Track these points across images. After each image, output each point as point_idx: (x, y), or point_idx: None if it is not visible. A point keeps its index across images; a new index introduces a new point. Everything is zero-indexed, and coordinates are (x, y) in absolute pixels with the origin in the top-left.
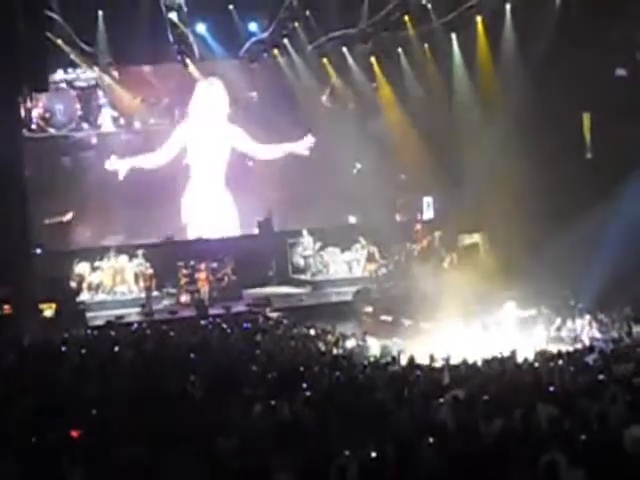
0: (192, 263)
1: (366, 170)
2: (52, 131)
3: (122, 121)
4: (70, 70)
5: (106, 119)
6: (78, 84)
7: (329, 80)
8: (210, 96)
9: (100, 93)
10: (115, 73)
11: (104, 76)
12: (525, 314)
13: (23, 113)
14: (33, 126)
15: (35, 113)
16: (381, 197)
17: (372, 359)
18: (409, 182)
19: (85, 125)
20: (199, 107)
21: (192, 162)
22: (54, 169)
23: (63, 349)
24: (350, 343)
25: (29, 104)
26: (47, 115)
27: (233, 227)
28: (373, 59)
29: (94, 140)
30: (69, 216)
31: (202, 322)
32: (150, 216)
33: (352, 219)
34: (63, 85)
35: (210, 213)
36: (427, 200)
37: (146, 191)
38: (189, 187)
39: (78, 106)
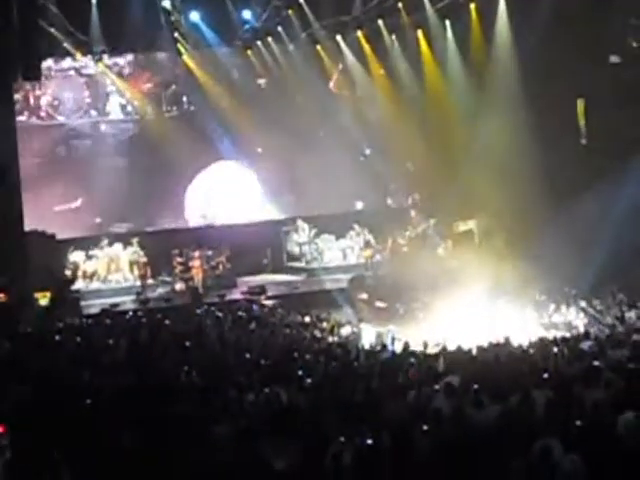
0: (187, 251)
1: (372, 156)
2: (61, 119)
3: (130, 108)
4: (79, 57)
5: (114, 107)
6: (86, 71)
7: (333, 67)
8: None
9: (108, 80)
10: (123, 60)
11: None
12: (520, 300)
13: (32, 100)
14: (42, 113)
15: (44, 101)
16: (381, 184)
17: (367, 346)
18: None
19: (93, 112)
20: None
21: None
22: (63, 156)
23: (57, 337)
24: (345, 330)
25: (38, 91)
26: (55, 103)
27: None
28: (367, 46)
29: (103, 127)
30: (78, 203)
31: (197, 310)
32: (160, 203)
33: (359, 205)
34: (71, 72)
35: (221, 200)
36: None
37: (155, 178)
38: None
39: (87, 93)
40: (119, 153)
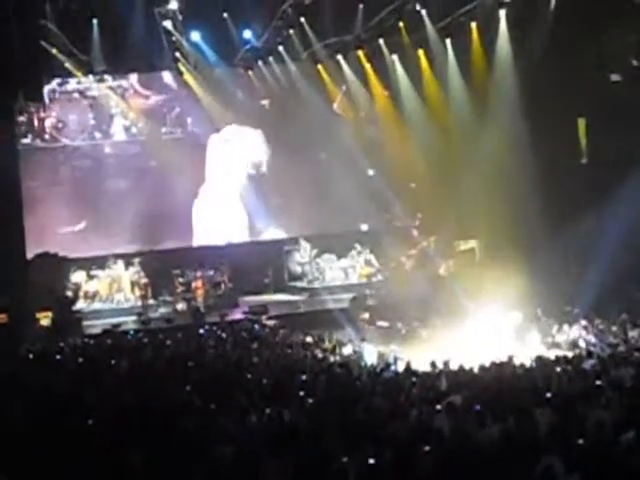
0: (188, 271)
1: (375, 177)
2: (65, 141)
3: (134, 130)
4: (84, 79)
5: (118, 128)
6: (90, 93)
7: (335, 88)
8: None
9: (112, 102)
10: (127, 82)
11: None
12: (521, 320)
13: (36, 123)
14: (46, 136)
15: (48, 123)
16: (384, 204)
17: (369, 366)
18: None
19: (97, 134)
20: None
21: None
22: (67, 178)
23: (59, 358)
24: (347, 350)
25: (42, 114)
26: (60, 125)
27: (242, 234)
28: (368, 66)
29: (107, 149)
30: (82, 225)
31: (198, 330)
32: (164, 224)
33: (364, 227)
34: (76, 95)
35: (221, 220)
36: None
37: (158, 199)
38: (201, 193)
39: (91, 115)
40: (123, 175)
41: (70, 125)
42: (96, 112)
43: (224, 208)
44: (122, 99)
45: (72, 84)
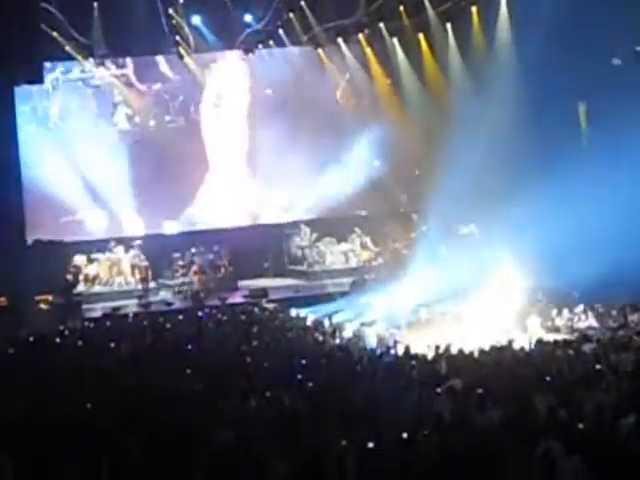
0: (188, 254)
1: (383, 166)
2: (68, 129)
3: (137, 119)
4: (87, 66)
5: (121, 117)
6: (94, 82)
7: (339, 76)
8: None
9: (116, 91)
10: (128, 70)
11: (118, 72)
12: (521, 303)
13: (40, 111)
14: (50, 124)
15: (53, 111)
16: (388, 191)
17: (368, 350)
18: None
19: (101, 122)
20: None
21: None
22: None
23: (58, 341)
24: (346, 333)
25: (46, 102)
26: (63, 113)
27: (244, 218)
28: (369, 50)
29: (110, 137)
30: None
31: (198, 313)
32: (170, 205)
33: (363, 212)
34: (79, 83)
35: (226, 203)
36: None
37: (161, 185)
38: (207, 177)
39: (94, 104)
40: (126, 162)
41: (73, 113)
42: (99, 100)
43: (227, 191)
44: (125, 86)
45: (76, 73)
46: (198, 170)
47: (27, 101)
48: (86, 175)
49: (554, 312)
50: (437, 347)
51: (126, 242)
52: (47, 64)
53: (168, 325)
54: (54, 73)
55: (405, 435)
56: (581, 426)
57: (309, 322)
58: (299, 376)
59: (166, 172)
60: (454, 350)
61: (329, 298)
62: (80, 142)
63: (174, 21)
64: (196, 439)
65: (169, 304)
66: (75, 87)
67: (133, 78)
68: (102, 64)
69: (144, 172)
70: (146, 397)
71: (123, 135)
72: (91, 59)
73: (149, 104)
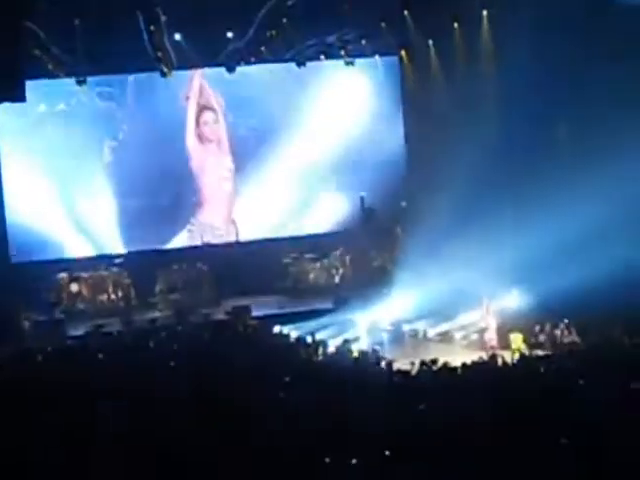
0: (171, 271)
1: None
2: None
3: (123, 149)
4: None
5: (107, 149)
6: (80, 114)
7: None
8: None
9: (102, 123)
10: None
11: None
12: (504, 320)
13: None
14: (35, 155)
15: (37, 144)
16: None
17: (351, 366)
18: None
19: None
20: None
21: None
22: None
23: (40, 359)
24: (330, 350)
25: (31, 135)
26: (48, 146)
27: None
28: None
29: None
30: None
31: (181, 330)
32: (159, 237)
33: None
34: (64, 115)
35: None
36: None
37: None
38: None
39: (80, 136)
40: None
41: (58, 146)
42: (85, 132)
43: (214, 215)
44: (113, 117)
45: (61, 106)
46: (188, 198)
47: (11, 134)
48: (72, 209)
49: (537, 328)
50: (421, 363)
51: (109, 260)
52: (31, 97)
53: (151, 343)
54: (39, 107)
55: (388, 452)
56: (564, 441)
57: (292, 339)
58: (280, 394)
59: (154, 202)
60: (437, 366)
61: (312, 315)
62: (65, 174)
63: (156, 38)
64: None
65: (152, 321)
66: (60, 120)
67: (123, 109)
68: (92, 95)
69: (131, 204)
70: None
71: (109, 166)
72: (73, 78)
73: (136, 133)
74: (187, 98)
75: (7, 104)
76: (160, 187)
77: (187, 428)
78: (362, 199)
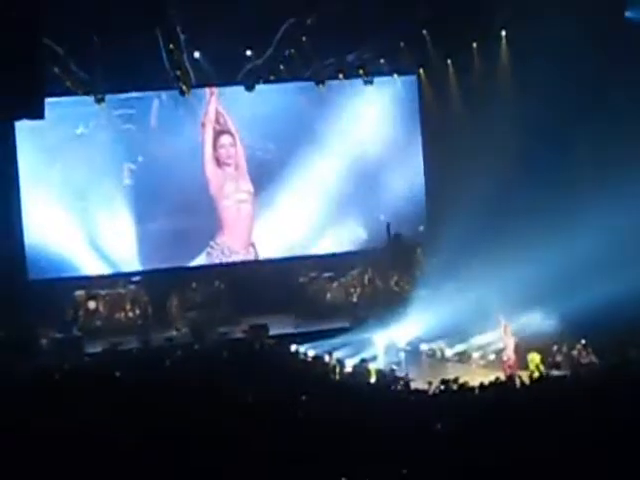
0: (189, 289)
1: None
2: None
3: (142, 172)
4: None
5: (127, 171)
6: (99, 137)
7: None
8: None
9: (121, 146)
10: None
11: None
12: (521, 340)
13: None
14: (54, 179)
15: (56, 167)
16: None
17: (369, 385)
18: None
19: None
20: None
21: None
22: None
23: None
24: (347, 369)
25: (50, 158)
26: (67, 168)
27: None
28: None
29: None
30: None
31: (199, 349)
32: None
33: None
34: (84, 139)
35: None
36: None
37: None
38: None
39: (99, 159)
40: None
41: (78, 168)
42: (104, 155)
43: (233, 236)
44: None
45: (81, 128)
46: (207, 221)
47: (31, 154)
48: (90, 229)
49: (554, 348)
50: (442, 382)
51: (126, 278)
52: (50, 117)
53: (168, 361)
54: (58, 129)
55: (405, 471)
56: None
57: (309, 358)
58: (299, 413)
59: (173, 225)
60: (455, 386)
61: (330, 334)
62: (84, 194)
63: (175, 57)
64: None
65: (169, 339)
66: (79, 142)
67: (142, 132)
68: (112, 117)
69: (150, 227)
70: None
71: (129, 190)
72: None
73: (155, 156)
74: (203, 125)
75: (28, 126)
76: (179, 210)
77: (202, 445)
78: (388, 226)
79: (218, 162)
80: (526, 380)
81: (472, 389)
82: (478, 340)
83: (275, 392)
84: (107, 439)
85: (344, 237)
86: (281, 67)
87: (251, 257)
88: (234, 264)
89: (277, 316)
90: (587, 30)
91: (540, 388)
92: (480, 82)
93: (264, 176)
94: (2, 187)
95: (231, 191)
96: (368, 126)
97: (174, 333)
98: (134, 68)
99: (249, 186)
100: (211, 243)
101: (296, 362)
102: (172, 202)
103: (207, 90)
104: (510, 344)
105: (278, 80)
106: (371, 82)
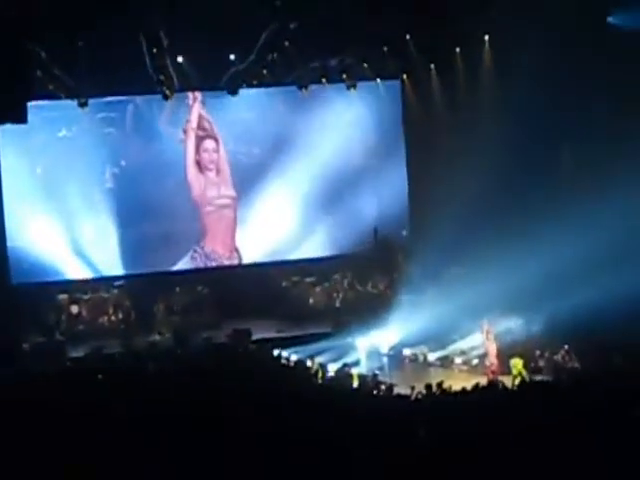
0: (172, 294)
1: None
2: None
3: (126, 176)
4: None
5: (109, 175)
6: (82, 140)
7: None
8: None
9: (104, 150)
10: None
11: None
12: (502, 343)
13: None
14: (36, 180)
15: (38, 169)
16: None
17: (351, 390)
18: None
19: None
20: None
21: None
22: None
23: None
24: (329, 374)
25: (32, 160)
26: (50, 171)
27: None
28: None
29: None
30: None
31: (181, 353)
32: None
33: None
34: (67, 142)
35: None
36: None
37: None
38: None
39: (82, 161)
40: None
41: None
42: (88, 158)
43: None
44: (115, 144)
45: (63, 131)
46: (191, 225)
47: (13, 157)
48: (73, 232)
49: (537, 353)
50: (426, 386)
51: (109, 282)
52: (32, 121)
53: (150, 366)
54: (41, 132)
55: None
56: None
57: (292, 362)
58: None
59: (156, 229)
60: (437, 391)
61: (312, 338)
62: (66, 198)
63: (158, 61)
64: None
65: (152, 344)
66: (62, 145)
67: (124, 135)
68: (95, 121)
69: (133, 230)
70: None
71: (111, 193)
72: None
73: (138, 159)
74: (185, 129)
75: (9, 128)
76: (162, 214)
77: (185, 447)
78: (376, 230)
79: (200, 167)
80: (509, 385)
81: (455, 394)
82: (461, 345)
83: (257, 397)
84: (90, 442)
85: (327, 242)
86: (264, 72)
87: (235, 262)
88: (217, 268)
89: (260, 321)
90: (570, 35)
91: (522, 393)
92: (463, 87)
93: (247, 180)
94: None
95: (213, 196)
96: (351, 131)
97: (157, 337)
98: (117, 72)
99: (231, 191)
100: (195, 247)
101: (278, 367)
102: (155, 206)
103: (190, 94)
104: (492, 349)
105: (261, 85)
106: (354, 87)
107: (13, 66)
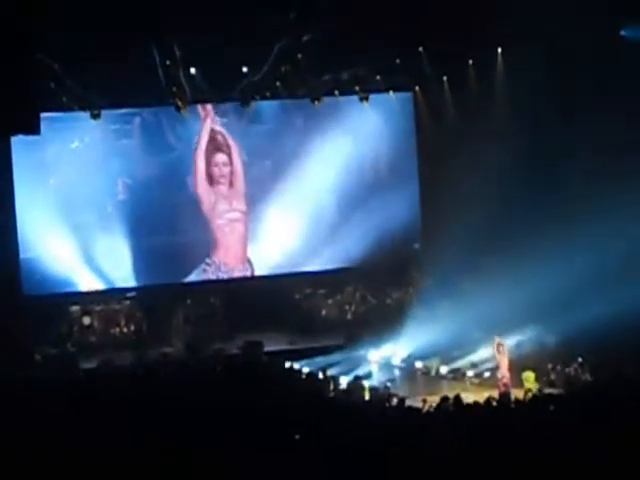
0: (184, 305)
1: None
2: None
3: (138, 189)
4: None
5: (122, 187)
6: (95, 152)
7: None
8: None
9: (116, 161)
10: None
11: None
12: (514, 356)
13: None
14: (49, 192)
15: (51, 181)
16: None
17: (362, 403)
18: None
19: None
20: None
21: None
22: None
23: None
24: (341, 386)
25: (45, 172)
26: (63, 183)
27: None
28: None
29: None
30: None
31: (193, 365)
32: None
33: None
34: (79, 153)
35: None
36: None
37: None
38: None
39: (94, 173)
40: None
41: (73, 182)
42: (99, 169)
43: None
44: (129, 156)
45: (76, 143)
46: (203, 238)
47: (26, 169)
48: (85, 244)
49: (549, 366)
50: (442, 399)
51: (121, 293)
52: (45, 132)
53: (162, 376)
54: (53, 144)
55: None
56: None
57: (303, 374)
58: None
59: (168, 241)
60: (449, 404)
61: (324, 351)
62: (79, 209)
63: (171, 73)
64: None
65: (164, 355)
66: (74, 157)
67: (137, 147)
68: (107, 132)
69: (145, 242)
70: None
71: (123, 205)
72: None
73: (151, 174)
74: (197, 141)
75: (22, 139)
76: (174, 226)
77: (195, 458)
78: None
79: (211, 180)
80: (521, 398)
81: (466, 407)
82: (473, 358)
83: (269, 409)
84: (100, 453)
85: (339, 254)
86: (277, 84)
87: (247, 273)
88: (229, 280)
89: (272, 332)
90: (583, 47)
91: (534, 406)
92: (476, 99)
93: (259, 193)
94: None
95: (224, 210)
96: (363, 143)
97: (169, 349)
98: (130, 84)
99: (242, 205)
100: (207, 260)
101: (290, 379)
102: (167, 218)
103: (203, 106)
104: (504, 362)
105: (274, 97)
106: (367, 99)
107: (26, 78)
